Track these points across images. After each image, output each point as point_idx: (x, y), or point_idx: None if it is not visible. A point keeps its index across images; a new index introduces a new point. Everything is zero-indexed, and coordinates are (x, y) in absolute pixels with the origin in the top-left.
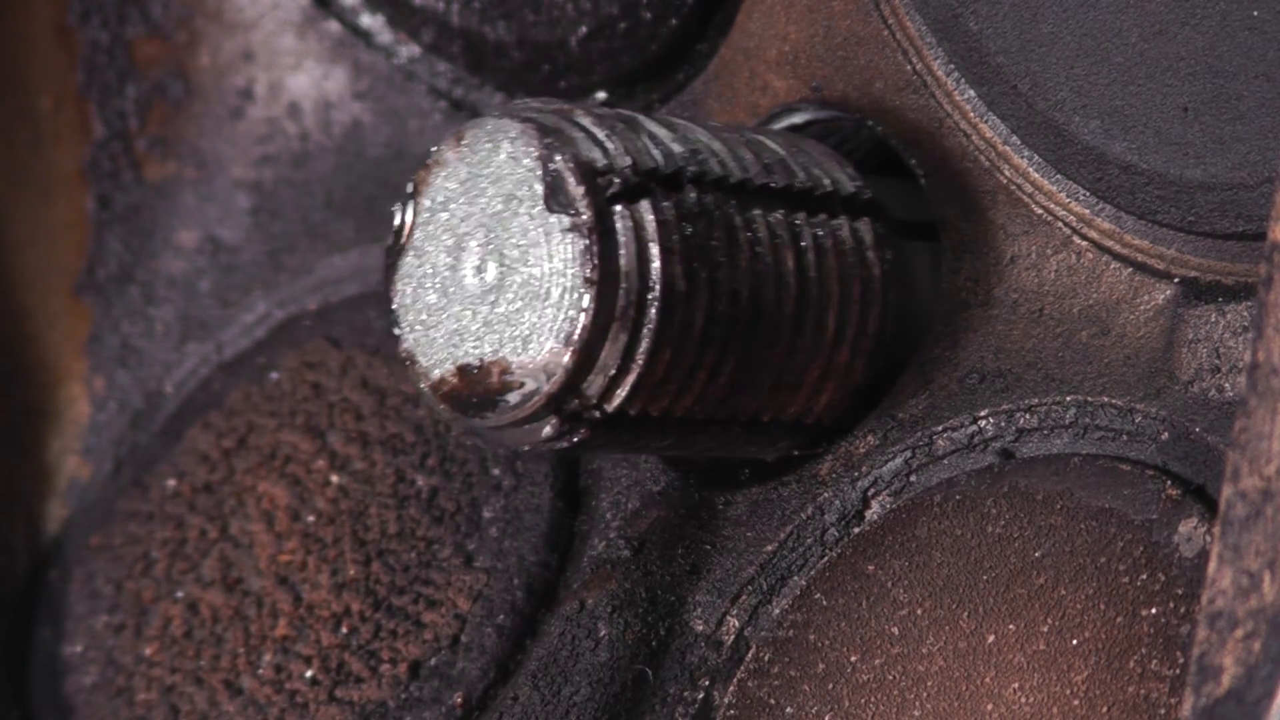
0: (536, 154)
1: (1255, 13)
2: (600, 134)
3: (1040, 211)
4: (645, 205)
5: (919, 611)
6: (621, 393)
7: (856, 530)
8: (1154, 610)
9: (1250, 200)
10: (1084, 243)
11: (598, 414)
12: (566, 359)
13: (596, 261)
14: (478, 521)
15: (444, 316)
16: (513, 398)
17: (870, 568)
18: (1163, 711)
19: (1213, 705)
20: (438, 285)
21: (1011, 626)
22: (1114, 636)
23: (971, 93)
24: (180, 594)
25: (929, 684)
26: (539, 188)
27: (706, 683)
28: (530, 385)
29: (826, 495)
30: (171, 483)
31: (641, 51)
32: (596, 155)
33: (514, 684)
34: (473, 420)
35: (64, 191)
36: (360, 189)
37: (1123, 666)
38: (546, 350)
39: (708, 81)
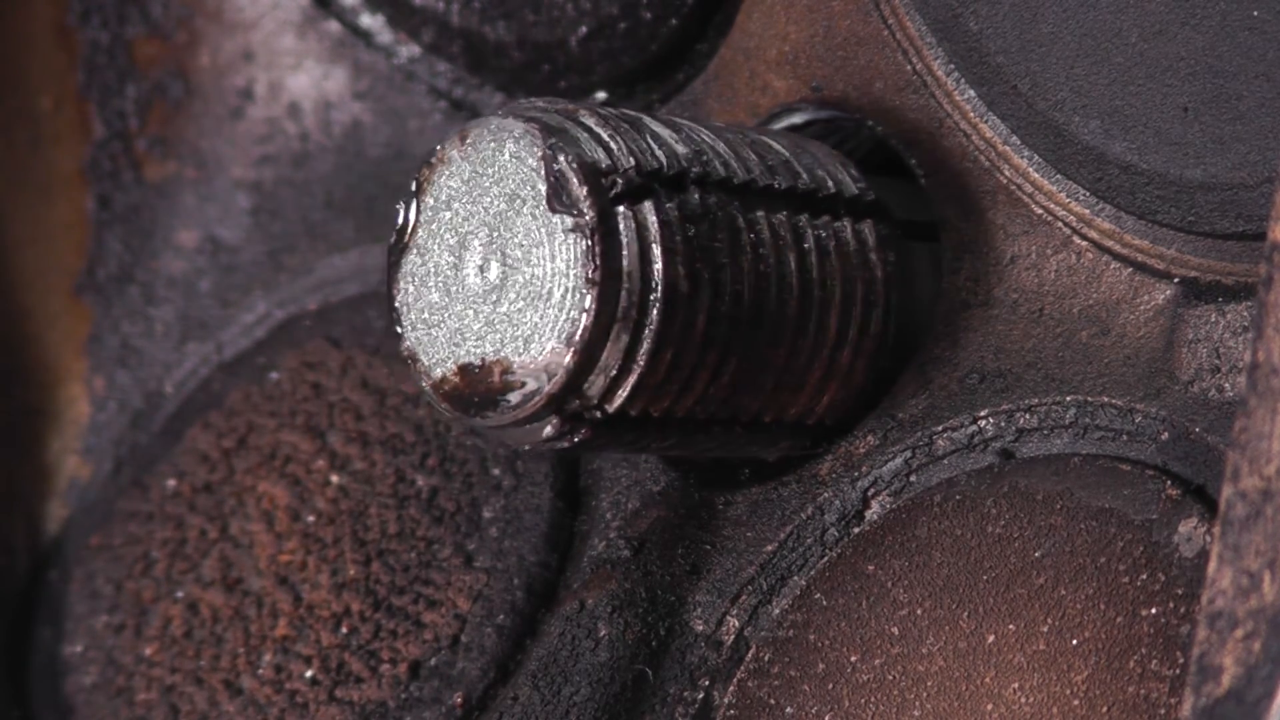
0: (540, 154)
1: (1255, 13)
2: (604, 134)
3: (1040, 211)
4: (648, 206)
5: (919, 611)
6: (623, 393)
7: (856, 530)
8: (1154, 610)
9: (1250, 200)
10: (1084, 243)
11: (599, 414)
12: (568, 359)
13: (599, 262)
14: (478, 521)
15: (446, 315)
16: (514, 397)
17: (870, 568)
18: (1163, 711)
19: (1213, 705)
20: (440, 284)
21: (1011, 626)
22: (1114, 636)
23: (971, 93)
24: (180, 594)
25: (929, 684)
26: (542, 187)
27: (706, 683)
28: (531, 385)
29: (826, 495)
30: (171, 483)
31: (641, 51)
32: (600, 156)
33: (514, 684)
34: (474, 420)
35: (64, 191)
36: (360, 189)
37: (1123, 666)
38: (548, 350)
39: (708, 81)
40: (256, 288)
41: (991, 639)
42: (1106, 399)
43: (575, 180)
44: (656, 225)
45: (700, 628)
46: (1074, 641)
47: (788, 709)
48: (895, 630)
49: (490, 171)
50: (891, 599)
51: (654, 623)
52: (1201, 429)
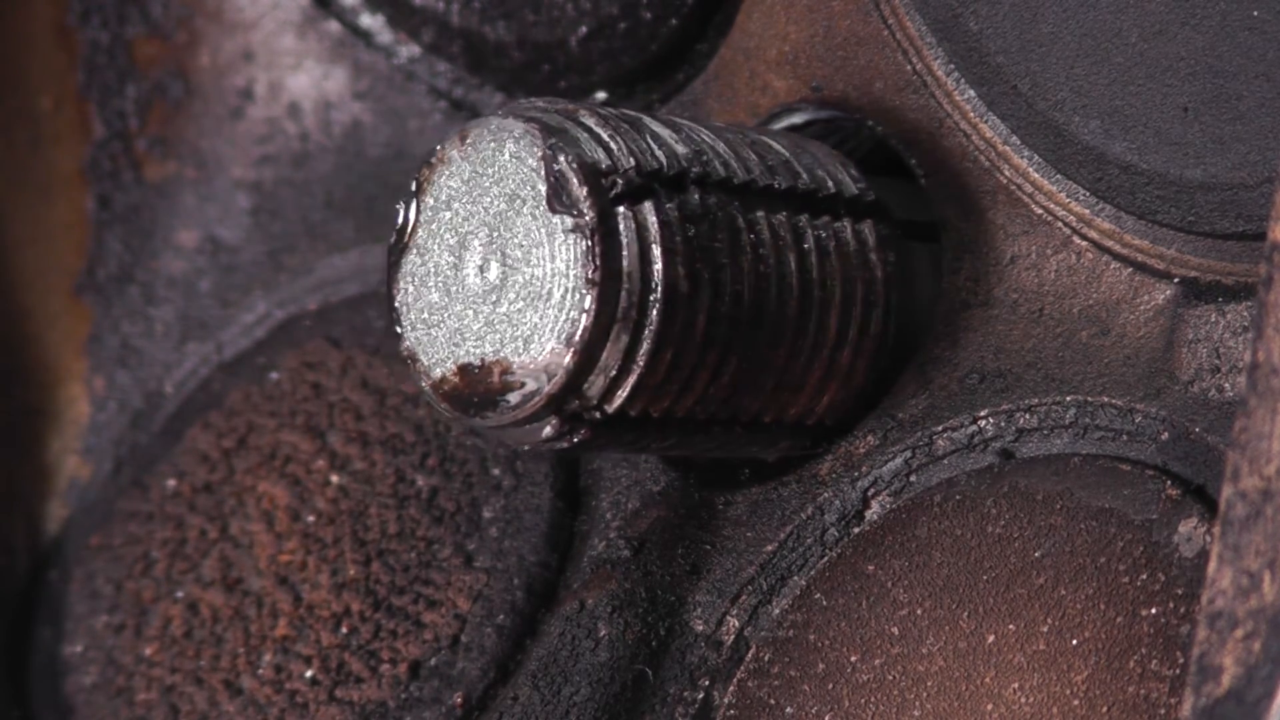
0: (540, 154)
1: (1255, 13)
2: (604, 135)
3: (1040, 211)
4: (648, 206)
5: (919, 611)
6: (622, 393)
7: (856, 530)
8: (1154, 610)
9: (1250, 200)
10: (1084, 243)
11: (598, 414)
12: (568, 360)
13: (599, 263)
14: (478, 521)
15: (446, 315)
16: (513, 398)
17: (870, 568)
18: (1163, 711)
19: (1213, 705)
20: (440, 284)
21: (1011, 626)
22: (1114, 636)
23: (971, 93)
24: (180, 594)
25: (929, 684)
26: (542, 188)
27: (706, 683)
28: (531, 385)
29: (826, 495)
30: (171, 483)
31: (641, 51)
32: (600, 156)
33: (514, 684)
34: (473, 420)
35: (64, 191)
36: (360, 189)
37: (1123, 666)
38: (548, 351)
39: (708, 81)
40: (256, 288)
41: (991, 639)
42: (1106, 399)
43: (575, 180)
44: (656, 225)
45: (700, 628)
46: (1074, 641)
47: (788, 709)
48: (895, 630)
49: (490, 171)
50: (891, 599)
51: (654, 623)
52: (1201, 429)
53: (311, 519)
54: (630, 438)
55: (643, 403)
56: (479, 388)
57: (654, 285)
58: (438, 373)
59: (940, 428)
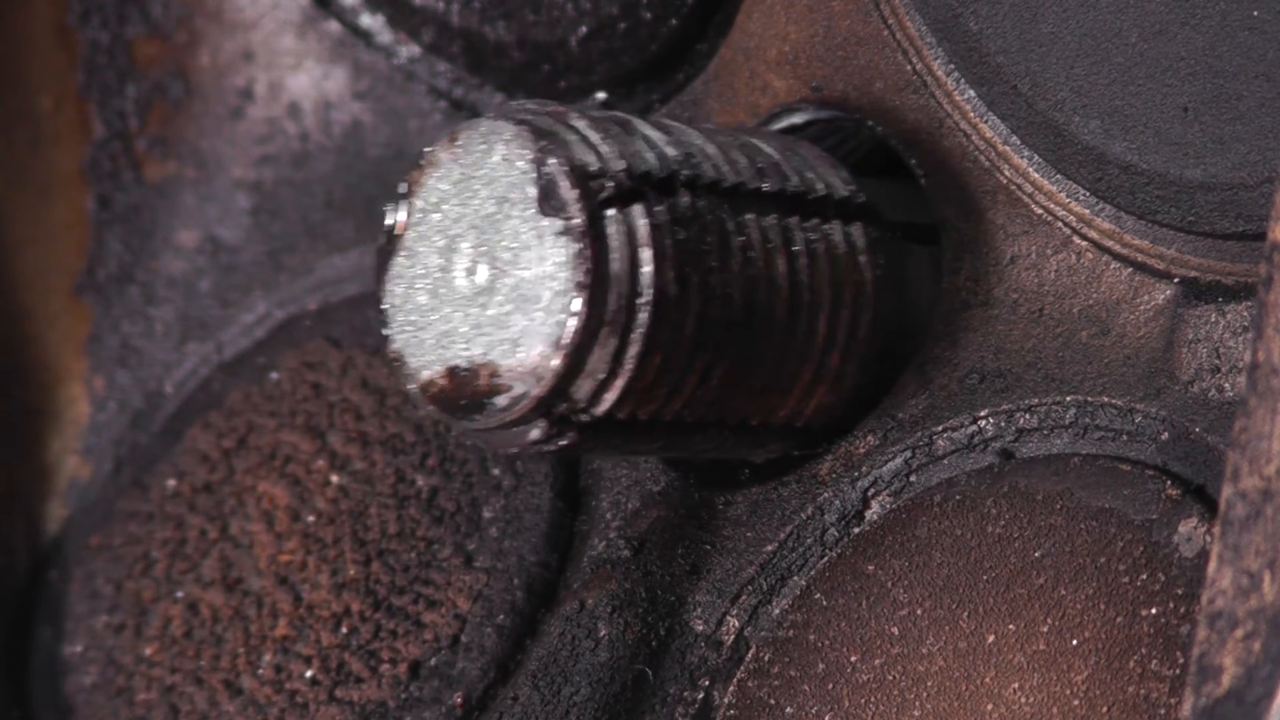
0: (530, 157)
1: (1255, 13)
2: (594, 137)
3: (1040, 211)
4: (638, 209)
5: (919, 611)
6: (610, 397)
7: (856, 530)
8: (1154, 610)
9: (1250, 200)
10: (1084, 243)
11: (586, 418)
12: (555, 363)
13: (588, 266)
14: (478, 521)
15: (434, 318)
16: (501, 401)
17: (870, 568)
18: (1163, 711)
19: (1213, 705)
20: (428, 286)
21: (1011, 626)
22: (1114, 636)
23: (971, 93)
24: (180, 594)
25: (929, 684)
26: (532, 191)
27: (706, 683)
28: (519, 389)
29: (826, 495)
30: (171, 483)
31: (641, 51)
32: (590, 159)
33: (514, 684)
34: (460, 422)
35: (64, 191)
36: (360, 189)
37: (1123, 666)
38: (536, 354)
39: (708, 81)
40: (256, 288)
41: (991, 639)
42: (1106, 399)
43: (565, 184)
44: (646, 229)
45: (700, 628)
46: (1074, 641)
47: (788, 709)
48: (895, 630)
49: (480, 174)
50: (891, 599)
51: (654, 623)
52: (1201, 429)
53: (311, 519)
54: (618, 441)
55: (631, 406)
56: (467, 390)
57: (643, 289)
58: (425, 375)
59: (940, 428)
